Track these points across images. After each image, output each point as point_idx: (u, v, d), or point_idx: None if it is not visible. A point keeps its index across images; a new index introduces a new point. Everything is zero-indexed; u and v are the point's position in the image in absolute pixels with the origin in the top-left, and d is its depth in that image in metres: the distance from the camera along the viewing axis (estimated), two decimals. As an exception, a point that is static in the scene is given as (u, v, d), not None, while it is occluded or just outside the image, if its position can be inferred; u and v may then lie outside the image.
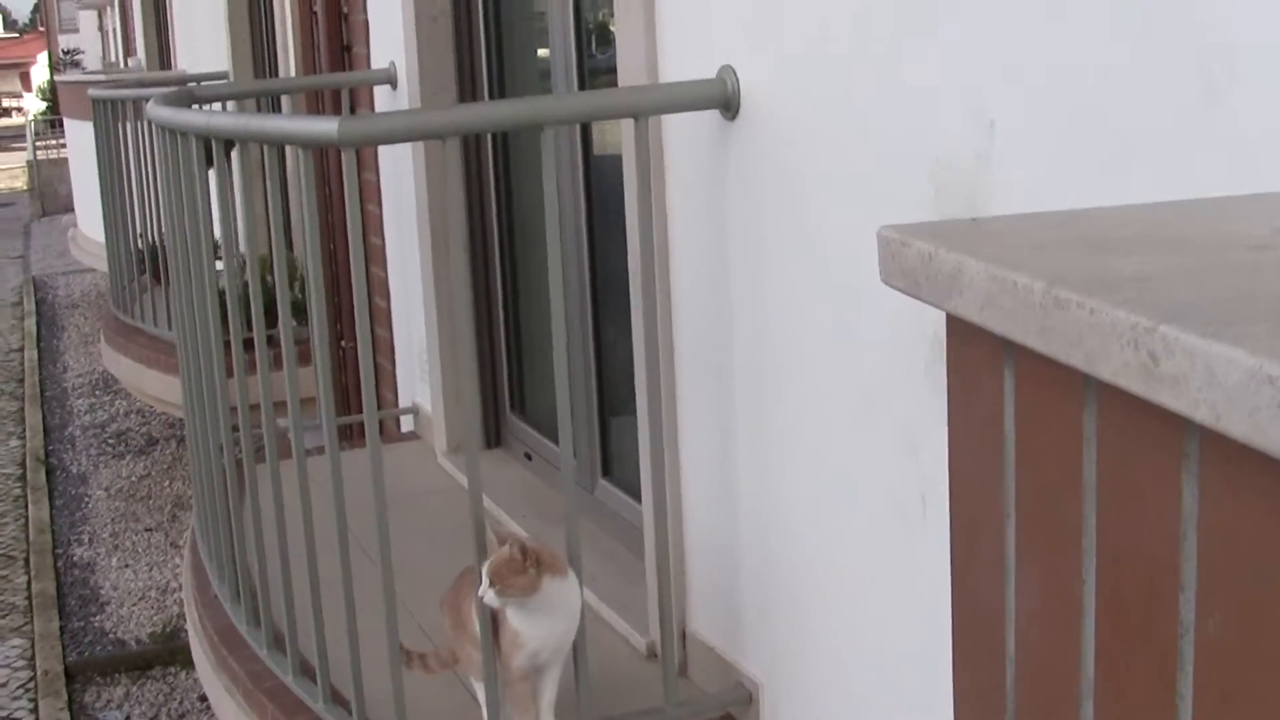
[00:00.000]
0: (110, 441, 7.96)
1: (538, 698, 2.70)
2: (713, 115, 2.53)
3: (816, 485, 2.43)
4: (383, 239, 4.95)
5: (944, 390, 2.01)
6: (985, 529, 0.89)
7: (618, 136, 3.65)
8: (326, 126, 2.21)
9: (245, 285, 3.08)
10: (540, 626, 2.60)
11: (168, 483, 7.21)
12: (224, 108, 4.54)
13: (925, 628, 2.19)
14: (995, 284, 0.77)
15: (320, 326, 2.67)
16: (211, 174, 3.37)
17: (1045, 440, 0.81)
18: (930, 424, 2.08)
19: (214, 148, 3.22)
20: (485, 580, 2.50)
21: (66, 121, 14.67)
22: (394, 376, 5.09)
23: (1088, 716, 0.79)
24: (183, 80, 5.46)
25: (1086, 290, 0.70)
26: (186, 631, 5.50)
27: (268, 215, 3.10)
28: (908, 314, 2.09)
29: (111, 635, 5.64)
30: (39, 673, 5.26)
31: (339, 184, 4.84)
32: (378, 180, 4.89)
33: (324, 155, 5.34)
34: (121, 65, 17.36)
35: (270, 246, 3.02)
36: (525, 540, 2.56)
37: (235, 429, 3.34)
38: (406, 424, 4.88)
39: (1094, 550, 0.77)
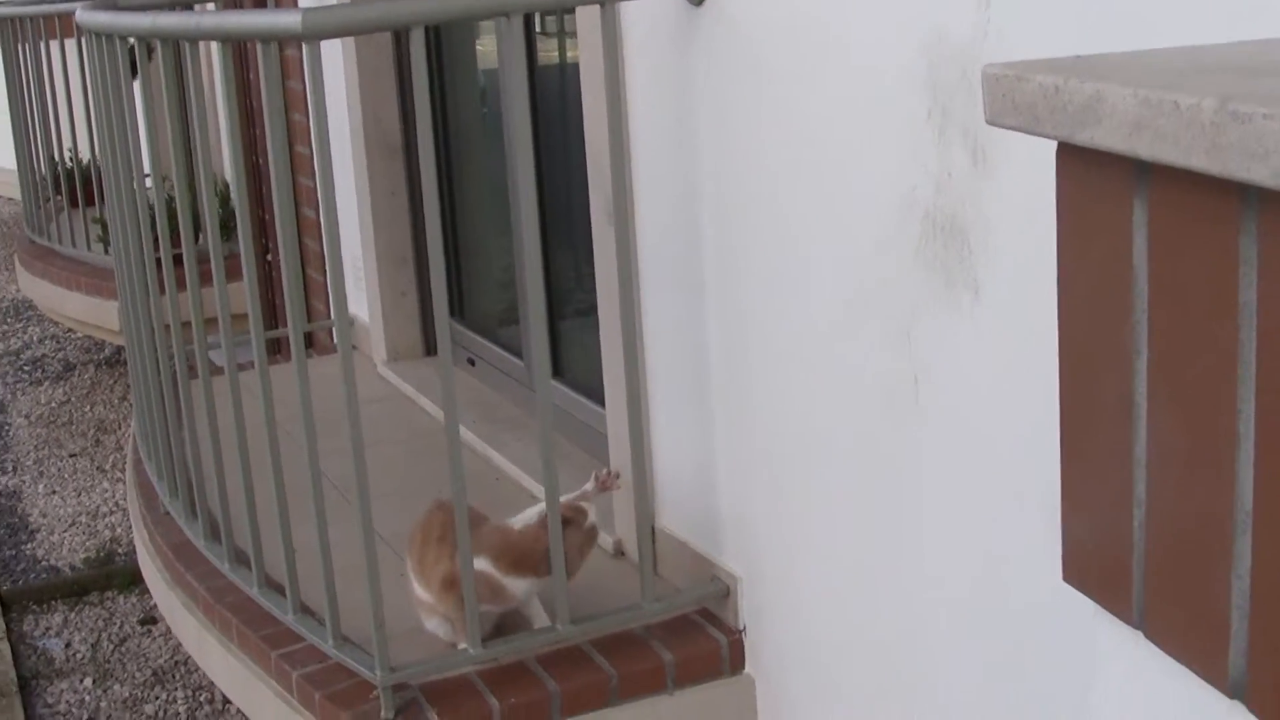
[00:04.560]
0: (26, 368, 7.76)
1: (527, 605, 2.70)
2: (678, 1, 2.47)
3: (802, 378, 2.40)
4: (309, 148, 4.84)
5: (936, 269, 2.00)
6: (1106, 370, 0.87)
7: (550, 46, 3.58)
8: (289, 19, 2.12)
9: (171, 201, 3.01)
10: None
11: (88, 407, 7.06)
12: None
13: (915, 512, 2.18)
14: (1148, 108, 0.74)
15: (246, 239, 2.68)
16: (137, 85, 3.26)
17: (1189, 270, 0.78)
18: (924, 305, 2.06)
19: (138, 56, 3.11)
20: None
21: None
22: (325, 288, 4.99)
23: (1244, 550, 0.77)
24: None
25: (1268, 103, 0.67)
26: (121, 555, 5.42)
27: (189, 128, 3.01)
28: (897, 195, 2.07)
29: (44, 562, 5.54)
30: (-28, 603, 5.16)
31: (260, 96, 4.71)
32: (302, 88, 4.77)
33: (244, 65, 5.20)
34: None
35: (193, 160, 2.93)
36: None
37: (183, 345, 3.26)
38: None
39: (1253, 379, 0.75)
